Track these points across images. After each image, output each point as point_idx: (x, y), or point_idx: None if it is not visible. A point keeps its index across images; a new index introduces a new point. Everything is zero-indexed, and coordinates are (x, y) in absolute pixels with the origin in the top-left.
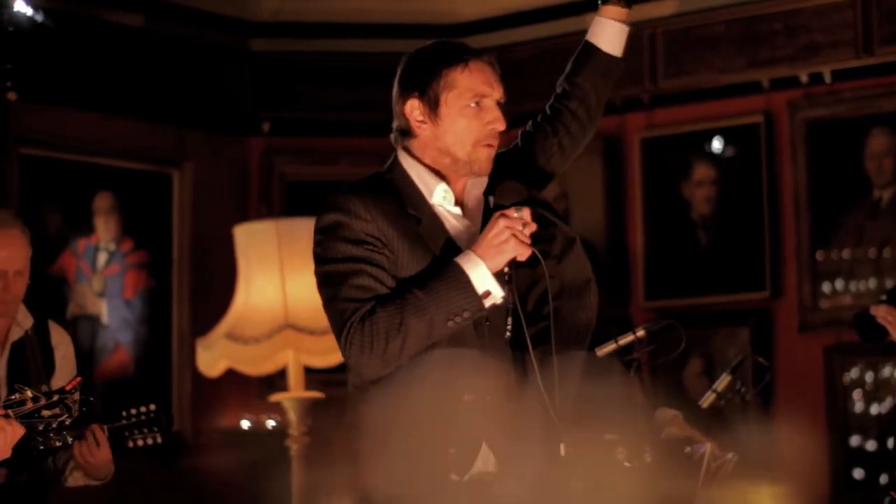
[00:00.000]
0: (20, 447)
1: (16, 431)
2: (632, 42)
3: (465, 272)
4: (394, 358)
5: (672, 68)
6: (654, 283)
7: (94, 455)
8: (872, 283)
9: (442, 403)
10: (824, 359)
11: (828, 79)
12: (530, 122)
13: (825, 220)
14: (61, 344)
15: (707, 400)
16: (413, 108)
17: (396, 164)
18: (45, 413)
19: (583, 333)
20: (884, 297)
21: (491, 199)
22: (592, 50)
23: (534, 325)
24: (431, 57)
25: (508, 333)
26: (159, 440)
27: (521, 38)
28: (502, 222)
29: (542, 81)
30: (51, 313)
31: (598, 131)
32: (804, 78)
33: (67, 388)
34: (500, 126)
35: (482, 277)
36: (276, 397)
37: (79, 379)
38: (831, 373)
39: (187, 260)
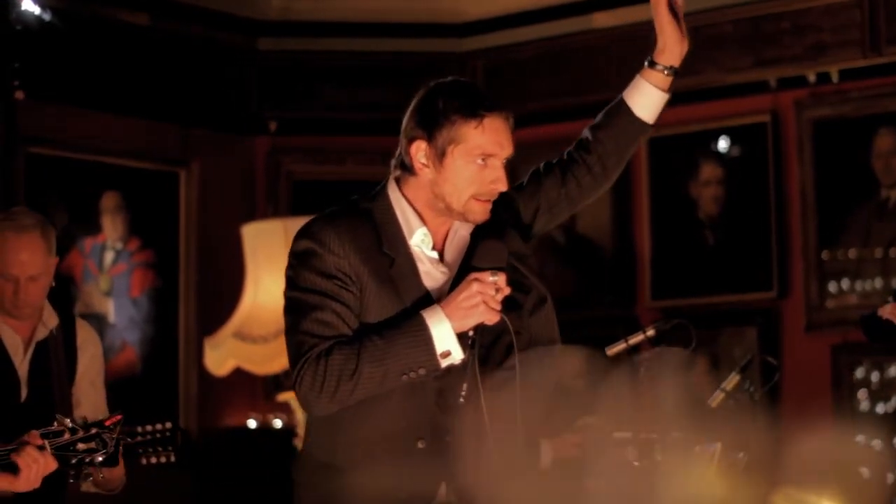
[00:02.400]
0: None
1: (49, 465)
2: (639, 42)
3: (429, 329)
4: (342, 401)
5: (679, 67)
6: (660, 283)
7: (109, 471)
8: (879, 282)
9: (396, 447)
10: (831, 358)
11: (835, 78)
12: (543, 164)
13: (832, 220)
14: (88, 343)
15: (716, 399)
16: (418, 150)
17: (384, 195)
18: (81, 446)
19: (540, 392)
20: (890, 299)
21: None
22: (625, 111)
23: (498, 375)
24: (448, 102)
25: (462, 399)
26: (173, 459)
27: (525, 37)
28: (475, 286)
29: (544, 81)
30: (71, 311)
31: None
32: (811, 77)
33: (107, 423)
34: (502, 187)
35: (444, 337)
36: (283, 396)
37: (119, 417)
38: (838, 372)
39: (194, 259)
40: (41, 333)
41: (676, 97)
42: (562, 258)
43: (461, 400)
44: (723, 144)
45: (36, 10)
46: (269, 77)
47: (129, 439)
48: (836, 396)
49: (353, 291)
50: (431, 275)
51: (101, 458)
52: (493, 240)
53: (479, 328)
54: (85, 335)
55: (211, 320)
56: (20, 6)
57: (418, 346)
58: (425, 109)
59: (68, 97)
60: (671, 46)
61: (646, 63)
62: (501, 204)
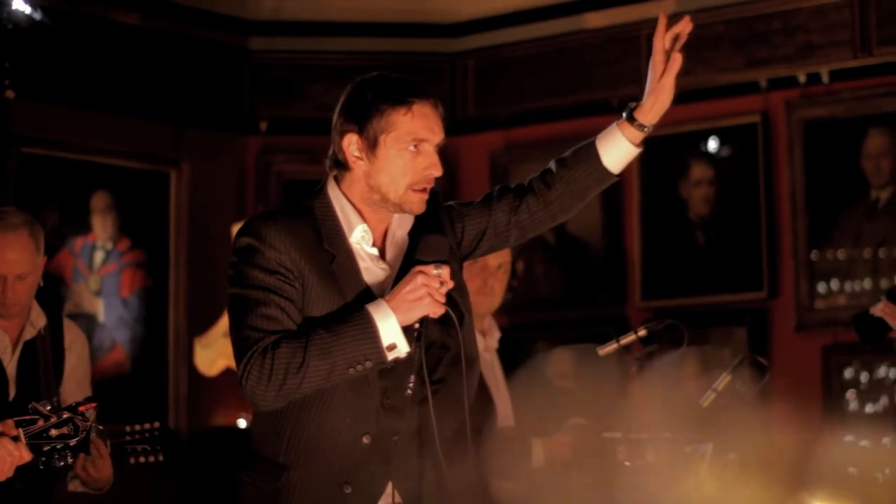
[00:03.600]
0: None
1: (23, 457)
2: (630, 42)
3: (375, 322)
4: (289, 394)
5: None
6: (651, 283)
7: (97, 469)
8: (868, 283)
9: (341, 442)
10: (821, 358)
11: (825, 79)
12: (498, 188)
13: (822, 221)
14: (75, 344)
15: (707, 399)
16: (350, 143)
17: (323, 193)
18: (54, 432)
19: (460, 409)
20: (883, 297)
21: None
22: (594, 157)
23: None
24: (376, 93)
25: (409, 391)
26: (161, 458)
27: (516, 37)
28: (420, 279)
29: (535, 81)
30: (59, 311)
31: (594, 131)
32: (802, 78)
33: (81, 409)
34: (437, 172)
35: (390, 330)
36: None
37: (94, 404)
38: (828, 372)
39: (184, 259)
40: (29, 333)
41: None
42: (552, 258)
43: (408, 391)
44: (713, 145)
45: (27, 9)
46: (260, 77)
47: (121, 432)
48: (826, 397)
49: (296, 286)
50: (372, 271)
51: (73, 443)
52: (435, 234)
53: (425, 321)
54: (73, 336)
55: (201, 320)
56: (11, 5)
57: (364, 339)
58: (354, 103)
59: (59, 96)
60: (658, 110)
61: (624, 114)
62: (445, 215)
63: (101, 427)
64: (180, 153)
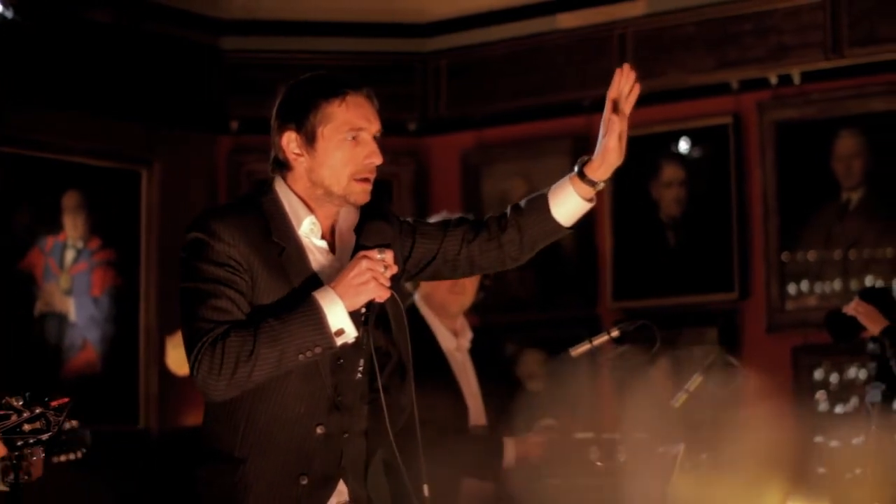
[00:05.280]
0: None
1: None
2: (602, 43)
3: (322, 308)
4: (241, 383)
5: (641, 69)
6: (622, 284)
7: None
8: (838, 284)
9: (295, 431)
10: (791, 359)
11: (797, 80)
12: (457, 217)
13: (793, 222)
14: None
15: (679, 400)
16: (290, 141)
17: (271, 189)
18: (27, 427)
19: (400, 416)
20: (857, 298)
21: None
22: (545, 210)
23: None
24: (309, 89)
25: (359, 374)
26: (80, 456)
27: (489, 38)
28: (364, 263)
29: (507, 81)
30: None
31: (566, 131)
32: (773, 79)
33: (53, 404)
34: (377, 160)
35: (338, 315)
36: None
37: (66, 400)
38: (798, 373)
39: (154, 258)
40: None
41: (639, 98)
42: None
43: (358, 375)
44: (684, 146)
45: None
46: (232, 76)
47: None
48: (797, 397)
49: (245, 278)
50: (321, 263)
51: (44, 438)
52: (377, 220)
53: (371, 305)
54: None
55: (172, 319)
56: None
57: (312, 325)
58: (289, 102)
59: (30, 95)
60: (608, 166)
61: (576, 169)
62: (396, 226)
63: (73, 422)
64: (151, 152)
